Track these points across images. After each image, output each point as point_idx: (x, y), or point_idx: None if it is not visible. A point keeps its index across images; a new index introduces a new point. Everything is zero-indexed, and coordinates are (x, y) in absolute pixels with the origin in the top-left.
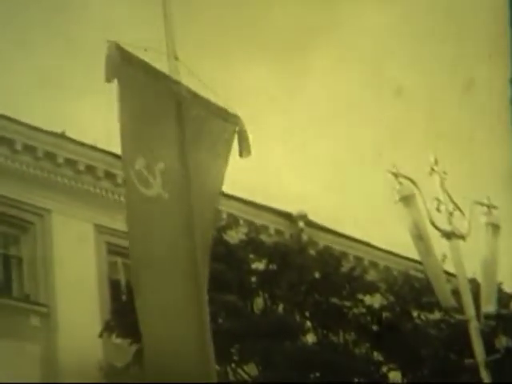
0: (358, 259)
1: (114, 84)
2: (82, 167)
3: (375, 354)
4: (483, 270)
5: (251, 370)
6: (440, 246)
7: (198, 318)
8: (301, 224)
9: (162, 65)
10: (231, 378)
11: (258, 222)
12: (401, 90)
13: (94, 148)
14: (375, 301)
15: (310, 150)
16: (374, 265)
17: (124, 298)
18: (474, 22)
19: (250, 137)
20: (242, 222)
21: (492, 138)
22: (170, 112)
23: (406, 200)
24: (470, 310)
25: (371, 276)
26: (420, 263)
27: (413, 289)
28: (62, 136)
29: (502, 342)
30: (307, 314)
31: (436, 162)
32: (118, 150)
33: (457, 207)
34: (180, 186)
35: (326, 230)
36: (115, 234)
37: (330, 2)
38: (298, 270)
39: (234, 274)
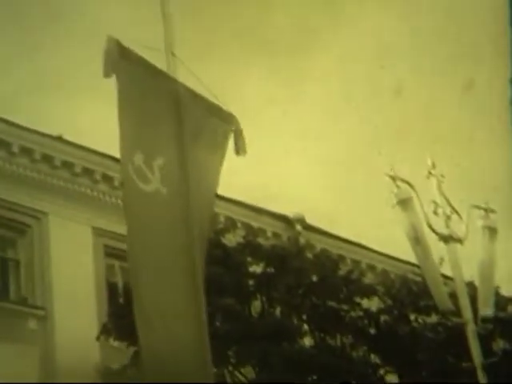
0: (356, 262)
1: (113, 86)
2: (79, 170)
3: (372, 356)
4: (480, 274)
5: (248, 372)
6: (437, 249)
7: (196, 319)
8: (298, 227)
9: (160, 65)
10: (228, 380)
11: (256, 224)
12: (400, 91)
13: (91, 151)
14: (373, 304)
15: (308, 152)
16: (371, 268)
17: (121, 300)
18: (474, 22)
19: (248, 137)
20: (239, 224)
21: (492, 138)
22: (169, 109)
23: (404, 203)
24: (468, 313)
25: (369, 279)
26: (417, 266)
27: (410, 292)
28: (59, 139)
29: (500, 345)
30: (304, 316)
31: (433, 166)
32: (115, 153)
33: (454, 210)
34: (178, 182)
35: (323, 233)
36: (113, 236)
37: (331, 2)
38: (296, 273)
39: (231, 277)
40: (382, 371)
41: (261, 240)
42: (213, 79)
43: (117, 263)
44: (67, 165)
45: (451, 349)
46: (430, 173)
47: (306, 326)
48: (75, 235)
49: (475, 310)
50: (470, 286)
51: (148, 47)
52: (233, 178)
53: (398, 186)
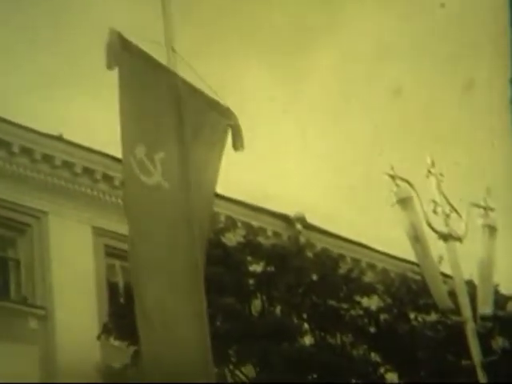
0: (356, 261)
1: (114, 86)
2: (79, 169)
3: (373, 355)
4: (480, 272)
5: (249, 371)
6: (437, 247)
7: (198, 318)
8: (298, 226)
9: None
10: (229, 379)
11: (256, 224)
12: (400, 90)
13: (91, 150)
14: (372, 303)
15: (308, 151)
16: (371, 267)
17: (122, 300)
18: (474, 22)
19: (247, 136)
20: (239, 224)
21: (492, 138)
22: (169, 102)
23: (403, 202)
24: (467, 312)
25: (368, 278)
26: (417, 265)
27: (410, 290)
28: (60, 138)
29: (499, 343)
30: (305, 315)
31: (433, 164)
32: (115, 153)
33: (454, 209)
34: (179, 176)
35: (323, 231)
36: (113, 236)
37: (330, 2)
38: (296, 272)
39: (231, 276)
40: (382, 370)
41: (261, 239)
42: (212, 77)
43: (117, 263)
44: (67, 164)
45: (451, 347)
46: (429, 172)
47: (306, 325)
48: (75, 235)
49: (474, 309)
50: (470, 284)
51: (149, 40)
52: (232, 177)
53: (397, 185)
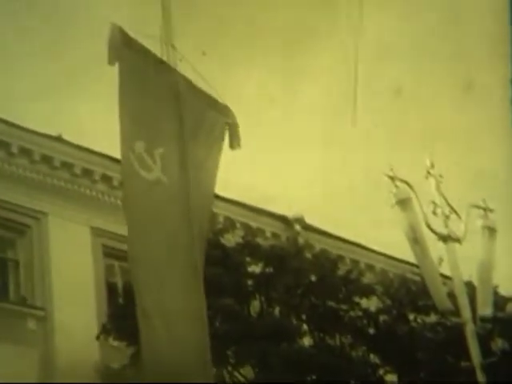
0: (355, 262)
1: (112, 87)
2: (78, 170)
3: (372, 356)
4: (479, 273)
5: (248, 372)
6: (436, 249)
7: (197, 316)
8: (297, 227)
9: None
10: (228, 380)
11: (255, 225)
12: (400, 90)
13: (90, 151)
14: (371, 304)
15: (307, 152)
16: (370, 268)
17: (121, 300)
18: (474, 22)
19: (246, 137)
20: (238, 225)
21: (492, 138)
22: (169, 99)
23: (403, 203)
24: (466, 313)
25: (368, 279)
26: (416, 266)
27: (409, 292)
28: (59, 139)
29: (498, 344)
30: (304, 316)
31: (432, 166)
32: (114, 153)
33: (453, 210)
34: (178, 173)
35: (322, 232)
36: (112, 236)
37: (330, 2)
38: (295, 273)
39: (230, 277)
40: (381, 371)
41: (260, 240)
42: (211, 76)
43: (116, 263)
44: (66, 165)
45: (450, 348)
46: (428, 173)
47: (305, 326)
48: (75, 235)
49: (474, 310)
50: (469, 285)
51: (149, 37)
52: (231, 177)
53: (396, 186)
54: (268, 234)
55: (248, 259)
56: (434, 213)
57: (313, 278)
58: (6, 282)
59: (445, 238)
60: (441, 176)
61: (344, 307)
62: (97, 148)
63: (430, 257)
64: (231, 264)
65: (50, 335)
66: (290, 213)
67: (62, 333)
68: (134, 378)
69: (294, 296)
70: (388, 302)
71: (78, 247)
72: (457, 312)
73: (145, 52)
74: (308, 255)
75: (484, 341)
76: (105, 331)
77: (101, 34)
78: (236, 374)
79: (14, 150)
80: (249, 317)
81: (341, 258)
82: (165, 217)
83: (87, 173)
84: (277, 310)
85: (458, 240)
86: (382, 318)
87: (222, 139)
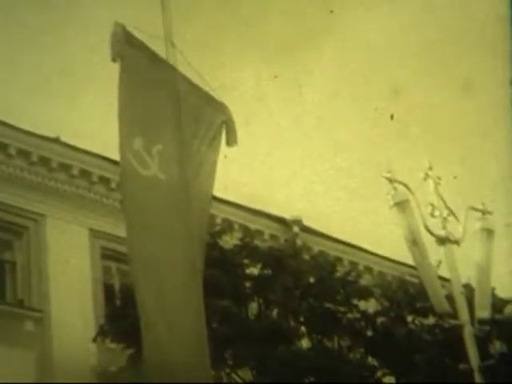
0: (353, 264)
1: (110, 88)
2: (76, 172)
3: (370, 359)
4: (477, 275)
5: (246, 374)
6: (434, 251)
7: (195, 312)
8: (295, 229)
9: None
10: (226, 382)
11: (253, 226)
12: (400, 91)
13: (88, 153)
14: (370, 306)
15: (306, 153)
16: (368, 270)
17: (118, 302)
18: (474, 22)
19: (245, 137)
20: (236, 226)
21: (492, 139)
22: (169, 97)
23: (401, 205)
24: (464, 315)
25: (366, 281)
26: (414, 268)
27: (407, 294)
28: (57, 140)
29: (496, 347)
30: (302, 318)
31: (430, 168)
32: (112, 155)
33: (451, 212)
34: (177, 169)
35: (320, 234)
36: (109, 238)
37: (329, 2)
38: (293, 274)
39: (228, 279)
40: (379, 373)
41: (258, 242)
42: (210, 76)
43: (114, 265)
44: (64, 167)
45: (448, 351)
46: (427, 174)
47: (303, 328)
48: (72, 237)
49: (472, 312)
50: (467, 287)
51: (148, 34)
52: (229, 179)
53: (395, 188)
54: (266, 236)
55: (246, 261)
56: (433, 215)
57: (311, 280)
58: (3, 283)
59: (443, 240)
60: (439, 178)
61: (342, 309)
62: (95, 150)
63: (428, 259)
64: (229, 266)
65: (47, 337)
66: (288, 214)
67: (59, 334)
68: (131, 380)
69: (291, 298)
70: (386, 304)
71: (75, 249)
72: (455, 314)
73: (146, 50)
74: (306, 257)
75: (482, 343)
76: (102, 333)
77: (101, 34)
78: (234, 375)
79: (12, 151)
80: (247, 319)
81: (339, 259)
82: (163, 214)
83: (85, 174)
84: (275, 312)
85: (456, 242)
86: (380, 320)
87: (220, 137)
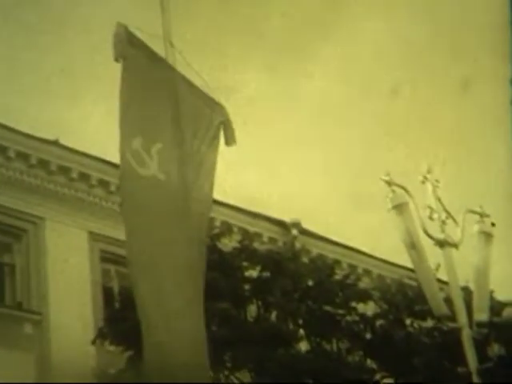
0: (352, 267)
1: (110, 90)
2: (75, 175)
3: (368, 361)
4: (476, 278)
5: (244, 377)
6: (433, 254)
7: (196, 316)
8: (294, 232)
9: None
10: None
11: (252, 229)
12: (399, 91)
13: (87, 155)
14: (368, 309)
15: (305, 155)
16: (367, 273)
17: (117, 305)
18: (474, 22)
19: (245, 139)
20: (235, 229)
21: (492, 139)
22: (169, 97)
23: (399, 208)
24: (463, 318)
25: (364, 284)
26: (413, 271)
27: (406, 297)
28: (56, 143)
29: (495, 349)
30: (300, 321)
31: (429, 171)
32: (112, 158)
33: (449, 215)
34: (176, 169)
35: (319, 237)
36: (109, 241)
37: (329, 3)
38: (292, 277)
39: (227, 282)
40: (378, 376)
41: (257, 245)
42: (209, 77)
43: (113, 268)
44: (63, 170)
45: (447, 354)
46: (425, 177)
47: (301, 331)
48: (71, 240)
49: (470, 315)
50: (466, 290)
51: (148, 34)
52: (229, 182)
53: (393, 191)
54: (265, 239)
55: (245, 264)
56: (431, 218)
57: (310, 283)
58: (2, 286)
59: (441, 243)
60: (437, 181)
61: (341, 312)
62: (94, 152)
63: (426, 262)
64: (228, 268)
65: (46, 339)
66: (287, 217)
67: (58, 337)
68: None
69: (290, 301)
70: (385, 306)
71: (74, 251)
72: (453, 317)
73: (147, 50)
74: (305, 260)
75: (480, 346)
76: (101, 336)
77: (101, 34)
78: (232, 378)
79: (11, 154)
80: (245, 321)
81: (338, 262)
82: (162, 216)
83: (84, 177)
84: (273, 315)
85: (454, 245)
86: (378, 322)
87: (219, 138)
